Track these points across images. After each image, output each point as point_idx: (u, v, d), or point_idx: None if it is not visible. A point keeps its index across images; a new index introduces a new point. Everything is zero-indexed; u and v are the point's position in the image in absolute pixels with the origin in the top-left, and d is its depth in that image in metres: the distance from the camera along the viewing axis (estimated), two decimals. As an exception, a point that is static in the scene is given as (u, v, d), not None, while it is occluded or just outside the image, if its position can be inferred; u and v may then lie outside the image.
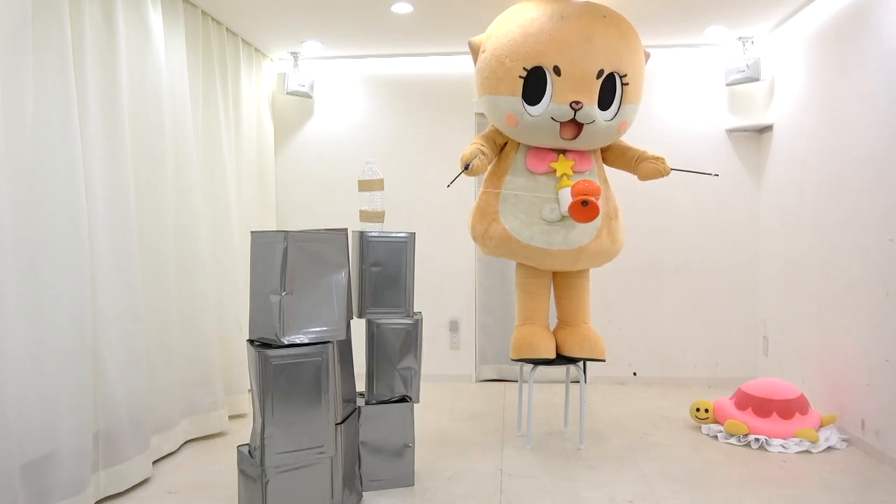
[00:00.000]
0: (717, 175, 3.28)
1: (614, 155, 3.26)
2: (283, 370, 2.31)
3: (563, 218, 3.00)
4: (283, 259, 2.32)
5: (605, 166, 3.30)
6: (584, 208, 2.88)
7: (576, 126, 2.94)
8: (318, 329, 2.39)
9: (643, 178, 3.15)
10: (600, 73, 2.87)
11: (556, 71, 2.85)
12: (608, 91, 2.94)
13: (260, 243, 2.44)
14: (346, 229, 2.55)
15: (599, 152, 3.25)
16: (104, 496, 2.68)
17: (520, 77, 2.90)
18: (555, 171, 3.04)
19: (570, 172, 3.01)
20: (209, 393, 3.47)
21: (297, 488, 2.36)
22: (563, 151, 3.06)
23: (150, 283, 3.07)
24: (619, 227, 3.22)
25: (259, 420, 2.32)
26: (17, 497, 2.21)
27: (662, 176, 3.10)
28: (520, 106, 2.94)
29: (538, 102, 2.91)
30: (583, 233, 3.05)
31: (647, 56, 3.16)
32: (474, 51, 3.12)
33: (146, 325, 2.98)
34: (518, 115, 2.96)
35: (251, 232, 2.50)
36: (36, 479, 2.35)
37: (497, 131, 3.19)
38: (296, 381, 2.33)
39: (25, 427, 2.31)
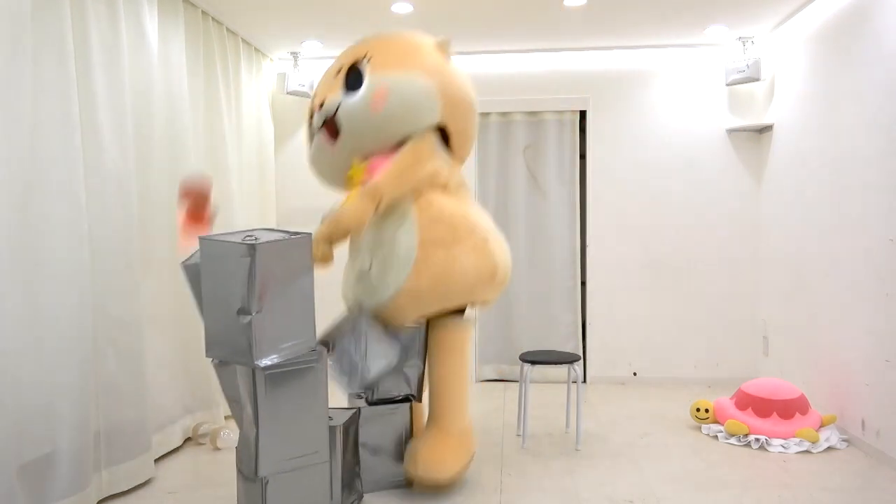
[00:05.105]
0: None
1: None
2: (276, 379, 2.26)
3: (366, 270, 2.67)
4: (249, 275, 2.10)
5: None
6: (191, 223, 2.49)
7: (330, 126, 2.77)
8: (290, 343, 2.24)
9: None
10: (338, 70, 2.81)
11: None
12: (354, 78, 2.75)
13: (212, 254, 2.17)
14: (311, 234, 2.36)
15: None
16: (106, 495, 2.69)
17: None
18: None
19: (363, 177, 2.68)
20: (209, 392, 3.47)
21: (296, 488, 2.35)
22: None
23: (151, 284, 3.07)
24: (455, 255, 2.63)
25: (252, 429, 2.27)
26: (17, 496, 2.21)
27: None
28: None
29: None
30: (390, 282, 2.62)
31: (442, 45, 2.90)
32: None
33: (146, 325, 2.98)
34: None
35: (199, 238, 2.26)
36: (37, 478, 2.35)
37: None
38: (289, 389, 2.30)
39: (25, 427, 2.31)
